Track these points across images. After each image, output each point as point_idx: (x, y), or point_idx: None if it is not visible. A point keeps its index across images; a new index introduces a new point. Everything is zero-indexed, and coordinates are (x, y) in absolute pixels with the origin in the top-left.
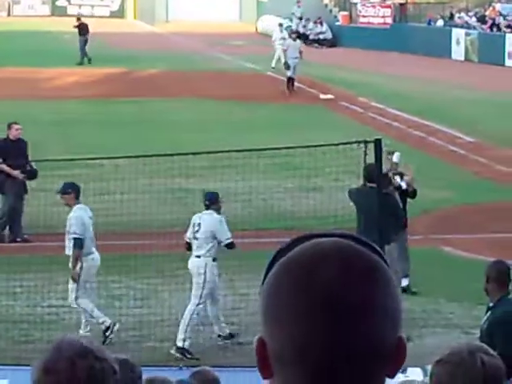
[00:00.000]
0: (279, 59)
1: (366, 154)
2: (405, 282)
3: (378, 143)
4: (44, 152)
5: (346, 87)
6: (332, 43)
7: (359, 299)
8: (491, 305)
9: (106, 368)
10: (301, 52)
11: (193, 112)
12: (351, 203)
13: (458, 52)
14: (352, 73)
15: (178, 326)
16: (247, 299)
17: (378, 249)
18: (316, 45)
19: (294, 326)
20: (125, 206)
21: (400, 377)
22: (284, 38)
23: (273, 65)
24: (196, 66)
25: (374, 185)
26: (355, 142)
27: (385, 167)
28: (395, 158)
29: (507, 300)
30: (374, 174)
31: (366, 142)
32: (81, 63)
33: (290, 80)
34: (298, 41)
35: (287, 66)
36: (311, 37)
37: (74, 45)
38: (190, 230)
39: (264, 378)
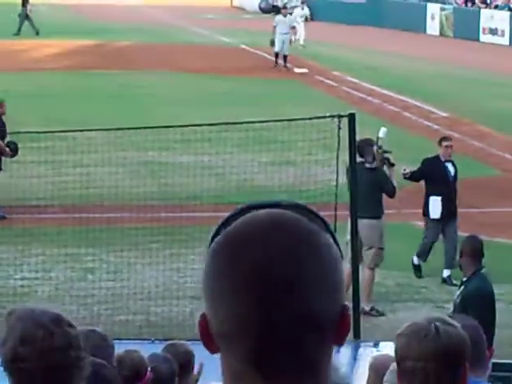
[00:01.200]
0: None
1: (339, 128)
2: (446, 273)
3: (351, 117)
4: (16, 124)
5: (321, 61)
6: (307, 17)
7: (288, 270)
8: (465, 279)
9: (78, 335)
10: (293, 27)
11: (167, 85)
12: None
13: (432, 27)
14: (327, 47)
15: (151, 299)
16: None
17: (324, 219)
18: None
19: (230, 301)
20: (98, 179)
21: (373, 351)
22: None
23: (301, 42)
24: (170, 39)
25: (362, 159)
26: (329, 117)
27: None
28: (381, 133)
29: (481, 274)
30: (362, 149)
31: (339, 117)
32: (17, 34)
33: (277, 55)
34: (289, 16)
35: (272, 42)
36: (282, 10)
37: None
38: None
39: (211, 353)
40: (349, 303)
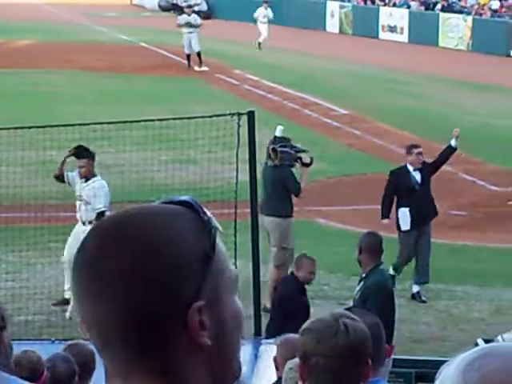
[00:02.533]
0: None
1: (239, 126)
2: (416, 289)
3: (251, 115)
4: None
5: (222, 59)
6: (207, 15)
7: (93, 268)
8: (364, 275)
9: None
10: (200, 25)
11: (68, 84)
12: None
13: (332, 25)
14: (228, 45)
15: (51, 299)
16: None
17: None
18: None
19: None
20: None
21: (274, 349)
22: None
23: (258, 41)
24: (71, 38)
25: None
26: (229, 114)
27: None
28: (278, 132)
29: (379, 270)
30: (268, 148)
31: (239, 114)
32: None
33: (189, 56)
34: (194, 15)
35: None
36: (185, 9)
37: None
38: None
39: None
40: (250, 300)
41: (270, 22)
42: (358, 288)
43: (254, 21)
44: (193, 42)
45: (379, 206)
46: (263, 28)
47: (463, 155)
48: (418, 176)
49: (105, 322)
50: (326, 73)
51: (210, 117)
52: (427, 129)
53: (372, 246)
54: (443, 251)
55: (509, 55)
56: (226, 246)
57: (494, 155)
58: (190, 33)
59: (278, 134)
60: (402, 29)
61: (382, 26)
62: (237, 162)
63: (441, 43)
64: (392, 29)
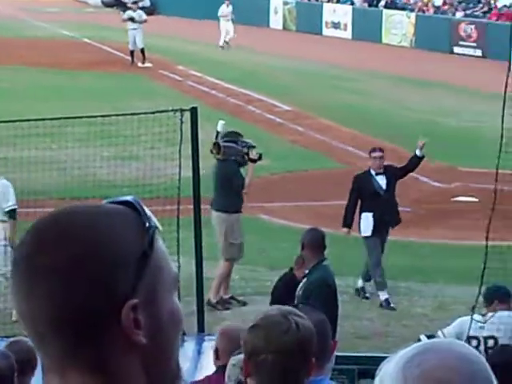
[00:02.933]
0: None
1: (182, 122)
2: (360, 283)
3: (193, 111)
4: None
5: (165, 55)
6: (150, 11)
7: (29, 264)
8: (307, 271)
9: None
10: (144, 21)
11: (10, 80)
12: None
13: (276, 21)
14: (171, 41)
15: None
16: None
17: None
18: None
19: None
20: None
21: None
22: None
23: (222, 40)
24: (12, 33)
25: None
26: (171, 111)
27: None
28: (219, 127)
29: (322, 266)
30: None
31: (182, 110)
32: None
33: (133, 53)
34: (139, 11)
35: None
36: (129, 5)
37: None
38: None
39: None
40: (193, 297)
41: (233, 20)
42: (301, 284)
43: (218, 18)
44: (137, 39)
45: (322, 203)
46: (228, 26)
47: (406, 152)
48: (382, 181)
49: (39, 317)
50: (269, 69)
51: (153, 113)
52: (370, 125)
53: (314, 242)
54: (386, 247)
55: (452, 52)
56: (168, 243)
57: (436, 152)
58: (135, 29)
59: (219, 128)
60: (345, 25)
61: (326, 23)
62: (179, 159)
63: (384, 40)
64: (335, 25)
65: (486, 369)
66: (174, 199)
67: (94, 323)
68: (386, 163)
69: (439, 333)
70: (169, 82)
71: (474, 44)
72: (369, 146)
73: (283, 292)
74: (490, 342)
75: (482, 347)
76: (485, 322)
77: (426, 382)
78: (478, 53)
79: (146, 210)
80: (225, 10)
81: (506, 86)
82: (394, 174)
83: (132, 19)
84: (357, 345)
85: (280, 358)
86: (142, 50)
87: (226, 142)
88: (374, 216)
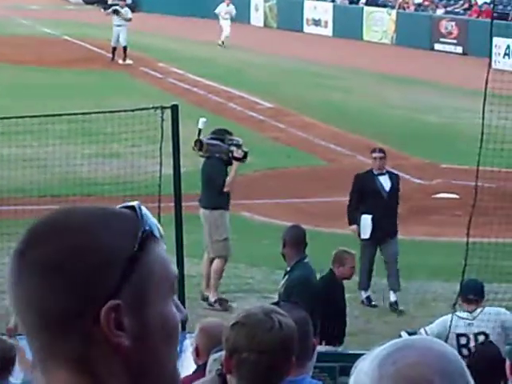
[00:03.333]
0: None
1: (162, 120)
2: (393, 297)
3: (174, 109)
4: None
5: (146, 52)
6: (131, 8)
7: (19, 258)
8: (288, 269)
9: None
10: (129, 20)
11: None
12: None
13: (257, 18)
14: (152, 38)
15: None
16: None
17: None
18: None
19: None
20: None
21: None
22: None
23: (221, 39)
24: None
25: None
26: (152, 108)
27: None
28: (200, 124)
29: (303, 263)
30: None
31: (162, 108)
32: None
33: (115, 50)
34: (126, 8)
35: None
36: (109, 2)
37: None
38: None
39: None
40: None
41: (232, 19)
42: (282, 282)
43: (216, 16)
44: (121, 36)
45: (304, 200)
46: (225, 25)
47: (388, 148)
48: (385, 182)
49: (25, 311)
50: (250, 66)
51: (134, 110)
52: (351, 122)
53: (296, 240)
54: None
55: (433, 49)
56: None
57: (418, 149)
58: (119, 26)
59: (200, 126)
60: (326, 22)
61: (307, 20)
62: (160, 156)
63: (365, 37)
64: (316, 22)
65: (462, 367)
66: (155, 197)
67: (73, 321)
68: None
69: (422, 330)
70: (150, 79)
71: (455, 41)
72: (350, 143)
73: (326, 292)
74: (481, 338)
75: (472, 344)
76: (473, 319)
77: (402, 380)
78: (459, 50)
79: (149, 216)
80: (224, 8)
81: (486, 83)
82: (397, 181)
83: (117, 12)
84: None
85: (262, 356)
86: (125, 48)
87: (211, 139)
88: (373, 219)
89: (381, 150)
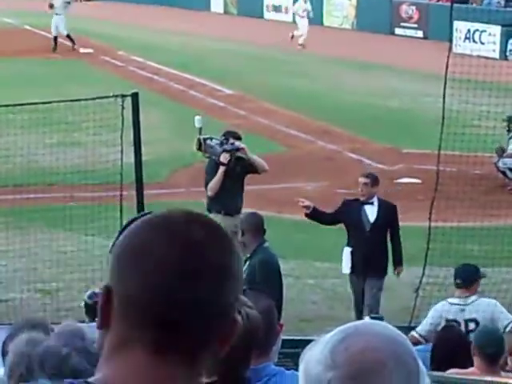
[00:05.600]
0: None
1: (123, 108)
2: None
3: (134, 97)
4: None
5: (106, 41)
6: None
7: (214, 267)
8: (248, 255)
9: None
10: (68, 2)
11: None
12: None
13: (217, 5)
14: (111, 26)
15: None
16: (6, 256)
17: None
18: None
19: (151, 277)
20: None
21: None
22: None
23: (300, 42)
24: None
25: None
26: (112, 96)
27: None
28: (197, 123)
29: (263, 248)
30: None
31: (123, 96)
32: None
33: (56, 39)
34: None
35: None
36: None
37: None
38: None
39: (100, 327)
40: None
41: (309, 17)
42: (244, 268)
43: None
44: (61, 25)
45: (266, 186)
46: (302, 24)
47: (348, 134)
48: (371, 212)
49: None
50: (211, 53)
51: (94, 99)
52: (313, 108)
53: (254, 227)
54: (330, 229)
55: (393, 33)
56: (111, 228)
57: (379, 134)
58: (57, 15)
59: (197, 125)
60: (286, 8)
61: (267, 6)
62: (121, 145)
63: (325, 22)
64: (277, 9)
65: (412, 350)
66: (116, 185)
67: (230, 311)
68: (381, 198)
69: (415, 334)
70: (110, 67)
71: (416, 25)
72: (312, 130)
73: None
74: (472, 325)
75: (462, 330)
76: (465, 305)
77: (356, 365)
78: (420, 34)
79: None
80: (302, 5)
81: (446, 67)
82: (389, 213)
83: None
84: (301, 328)
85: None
86: (68, 36)
87: (212, 139)
88: (352, 252)
89: (368, 176)
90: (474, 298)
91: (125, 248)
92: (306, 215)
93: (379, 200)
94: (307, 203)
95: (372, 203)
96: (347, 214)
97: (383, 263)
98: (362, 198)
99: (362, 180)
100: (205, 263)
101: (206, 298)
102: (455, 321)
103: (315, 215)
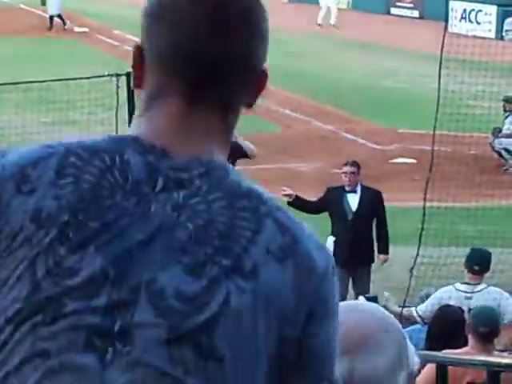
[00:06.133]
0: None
1: (118, 87)
2: None
3: (129, 76)
4: None
5: (101, 20)
6: None
7: (241, 12)
8: None
9: None
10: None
11: None
12: None
13: None
14: (106, 5)
15: None
16: None
17: None
18: None
19: (180, 29)
20: None
21: None
22: None
23: (331, 22)
24: None
25: None
26: (107, 76)
27: None
28: None
29: None
30: None
31: (117, 75)
32: None
33: (52, 18)
34: None
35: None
36: None
37: None
38: None
39: (135, 85)
40: None
41: None
42: None
43: None
44: (56, 4)
45: (259, 166)
46: (332, 2)
47: (344, 114)
48: (353, 201)
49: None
50: None
51: (89, 78)
52: (308, 88)
53: None
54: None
55: (389, 13)
56: None
57: (374, 114)
58: None
59: None
60: None
61: None
62: (116, 123)
63: (321, 2)
64: None
65: (399, 327)
66: None
67: (252, 78)
68: (367, 185)
69: (414, 313)
70: (105, 46)
71: (411, 5)
72: (306, 109)
73: None
74: None
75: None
76: (472, 293)
77: (345, 341)
78: (415, 14)
79: None
80: None
81: (442, 47)
82: (373, 201)
83: None
84: None
85: None
86: (59, 16)
87: None
88: (335, 242)
89: (353, 164)
90: (483, 285)
91: (153, 3)
92: (289, 203)
93: (362, 188)
94: (289, 191)
95: (355, 191)
96: (330, 202)
97: (368, 252)
98: (348, 188)
99: (348, 169)
100: (236, 16)
101: (238, 49)
102: (459, 308)
103: (298, 203)
